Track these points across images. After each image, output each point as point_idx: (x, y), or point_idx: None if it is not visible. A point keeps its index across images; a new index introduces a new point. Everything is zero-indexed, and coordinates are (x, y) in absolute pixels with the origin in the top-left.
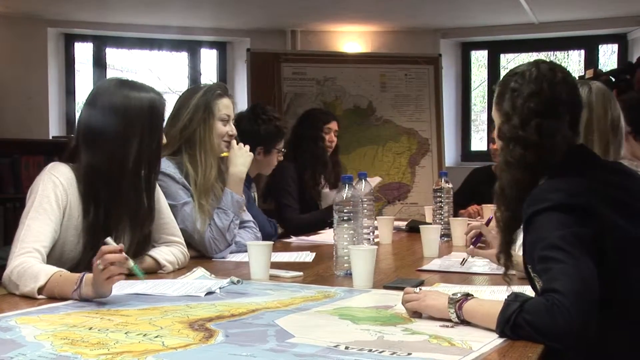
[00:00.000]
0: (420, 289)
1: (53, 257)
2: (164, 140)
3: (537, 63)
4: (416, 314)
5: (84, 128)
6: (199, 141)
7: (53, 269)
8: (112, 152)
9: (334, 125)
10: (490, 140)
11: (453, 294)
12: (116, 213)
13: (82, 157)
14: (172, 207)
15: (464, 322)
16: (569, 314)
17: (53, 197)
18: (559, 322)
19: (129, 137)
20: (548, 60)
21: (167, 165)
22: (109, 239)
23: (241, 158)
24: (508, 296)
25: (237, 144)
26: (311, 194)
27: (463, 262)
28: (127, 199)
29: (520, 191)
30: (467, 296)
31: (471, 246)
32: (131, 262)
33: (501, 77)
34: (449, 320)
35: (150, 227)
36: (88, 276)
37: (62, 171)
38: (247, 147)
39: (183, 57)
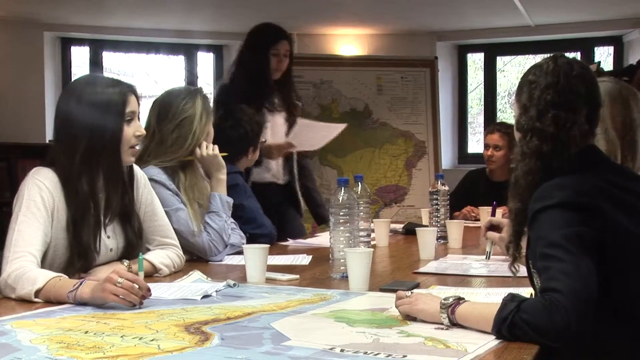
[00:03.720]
0: (412, 292)
1: (45, 260)
2: (141, 132)
3: (556, 57)
4: (410, 317)
5: (53, 126)
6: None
7: (52, 273)
8: (66, 147)
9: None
10: (485, 146)
11: (445, 299)
12: (81, 207)
13: (55, 156)
14: (165, 212)
15: (456, 325)
16: (566, 313)
17: (40, 200)
18: (556, 321)
19: (78, 131)
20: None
21: (157, 172)
22: (125, 262)
23: (211, 164)
24: (505, 297)
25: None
26: None
27: (487, 255)
28: (84, 193)
29: (533, 182)
30: (459, 300)
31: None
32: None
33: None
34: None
35: (113, 221)
36: (88, 283)
37: (45, 174)
38: (206, 147)
39: (180, 60)
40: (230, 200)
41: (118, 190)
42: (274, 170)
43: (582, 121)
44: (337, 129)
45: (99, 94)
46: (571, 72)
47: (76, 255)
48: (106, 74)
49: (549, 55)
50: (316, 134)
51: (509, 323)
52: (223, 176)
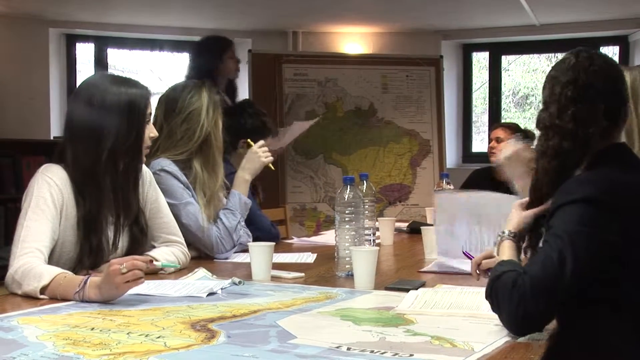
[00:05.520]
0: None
1: (52, 257)
2: (155, 133)
3: (578, 52)
4: None
5: (67, 124)
6: (214, 142)
7: (57, 270)
8: (88, 145)
9: None
10: (489, 141)
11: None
12: (99, 205)
13: (68, 153)
14: (174, 205)
15: None
16: (521, 299)
17: (49, 197)
18: (512, 303)
19: (103, 131)
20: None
21: (168, 163)
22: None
23: (250, 163)
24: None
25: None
26: None
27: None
28: (106, 191)
29: (554, 180)
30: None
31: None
32: (160, 262)
33: None
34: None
35: (131, 220)
36: (93, 279)
37: (54, 172)
38: (264, 152)
39: (184, 57)
40: (249, 202)
41: (136, 189)
42: None
43: (600, 117)
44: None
45: (122, 94)
46: (591, 66)
47: (87, 253)
48: (111, 71)
49: (572, 50)
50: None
51: (490, 288)
52: (249, 178)
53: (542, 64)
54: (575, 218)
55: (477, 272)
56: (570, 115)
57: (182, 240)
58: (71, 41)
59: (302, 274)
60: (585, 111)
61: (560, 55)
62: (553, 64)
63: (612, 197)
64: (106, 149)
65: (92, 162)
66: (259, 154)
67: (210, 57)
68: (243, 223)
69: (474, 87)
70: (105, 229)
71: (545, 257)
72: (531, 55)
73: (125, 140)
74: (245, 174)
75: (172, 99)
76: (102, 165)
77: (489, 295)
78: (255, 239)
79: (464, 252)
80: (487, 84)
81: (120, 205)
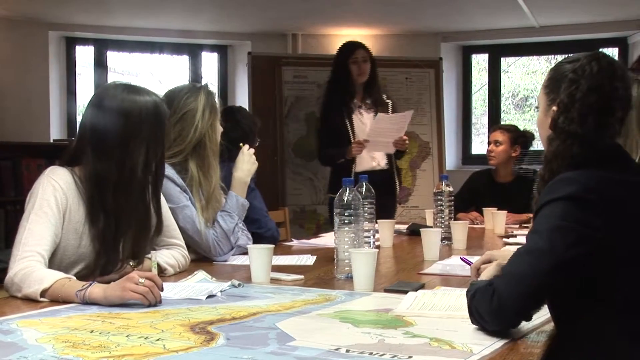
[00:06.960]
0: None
1: (53, 260)
2: None
3: (598, 57)
4: None
5: (90, 132)
6: (209, 144)
7: (60, 274)
8: (123, 160)
9: None
10: (487, 144)
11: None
12: (126, 220)
13: (88, 161)
14: (171, 209)
15: None
16: (498, 298)
17: (53, 200)
18: (487, 299)
19: (138, 144)
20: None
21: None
22: (131, 263)
23: (247, 164)
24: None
25: (248, 149)
26: None
27: None
28: (136, 206)
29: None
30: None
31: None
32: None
33: (557, 63)
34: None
35: (158, 235)
36: (98, 285)
37: (60, 175)
38: (253, 153)
39: (184, 60)
40: (247, 204)
41: (159, 200)
42: (378, 158)
43: (616, 125)
44: (404, 117)
45: (149, 103)
46: (614, 74)
47: (102, 265)
48: (111, 74)
49: (589, 53)
50: (388, 127)
51: (469, 311)
52: (247, 179)
53: (541, 66)
54: (556, 214)
55: (476, 277)
56: (592, 124)
57: (183, 243)
58: (71, 44)
59: (302, 276)
60: (607, 120)
61: (559, 57)
62: (553, 64)
63: (598, 194)
64: (141, 161)
65: (124, 175)
66: (253, 156)
67: (337, 66)
68: (241, 225)
69: (474, 89)
70: (124, 240)
71: (520, 252)
72: (530, 57)
73: (156, 151)
74: (243, 176)
75: (168, 100)
76: (136, 178)
77: (470, 313)
78: (258, 237)
79: (461, 258)
80: (486, 86)
81: (147, 218)
